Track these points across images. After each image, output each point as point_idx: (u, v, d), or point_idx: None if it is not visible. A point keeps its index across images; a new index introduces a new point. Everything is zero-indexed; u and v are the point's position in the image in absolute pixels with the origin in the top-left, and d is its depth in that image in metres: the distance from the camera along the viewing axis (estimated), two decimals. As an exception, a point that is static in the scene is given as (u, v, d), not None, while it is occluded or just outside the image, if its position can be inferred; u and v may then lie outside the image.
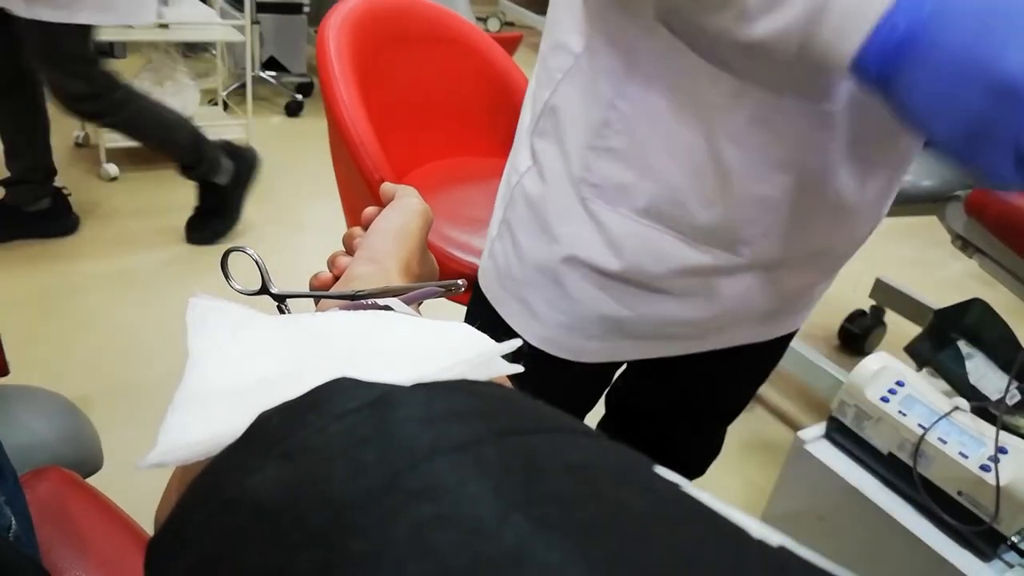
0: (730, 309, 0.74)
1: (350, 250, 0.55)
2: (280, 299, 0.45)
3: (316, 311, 0.39)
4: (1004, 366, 1.34)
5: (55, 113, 2.05)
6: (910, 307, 1.89)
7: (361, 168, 1.04)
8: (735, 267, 0.69)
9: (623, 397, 1.06)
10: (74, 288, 2.02)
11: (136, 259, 2.19)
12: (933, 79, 0.46)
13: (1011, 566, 1.17)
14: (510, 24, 5.30)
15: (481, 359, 0.23)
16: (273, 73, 3.54)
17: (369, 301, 0.37)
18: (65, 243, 2.21)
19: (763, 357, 0.92)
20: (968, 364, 1.32)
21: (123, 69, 2.36)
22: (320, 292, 0.43)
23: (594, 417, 1.06)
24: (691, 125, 0.62)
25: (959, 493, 1.18)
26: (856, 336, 1.99)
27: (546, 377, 0.78)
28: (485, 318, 0.80)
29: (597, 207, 0.68)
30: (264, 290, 0.45)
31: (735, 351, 0.82)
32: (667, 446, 1.03)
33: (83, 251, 2.19)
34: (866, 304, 2.04)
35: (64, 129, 2.78)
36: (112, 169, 2.57)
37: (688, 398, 0.98)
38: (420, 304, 0.51)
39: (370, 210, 0.60)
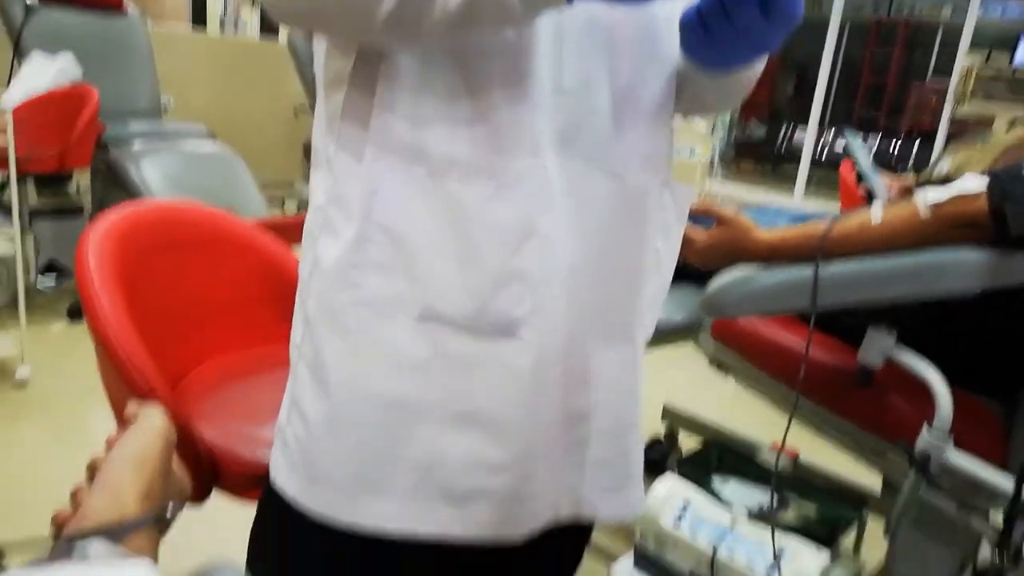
0: (535, 431, 0.72)
1: (93, 479, 0.55)
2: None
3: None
4: (759, 481, 1.50)
5: None
6: (697, 426, 2.06)
7: (128, 382, 1.02)
8: (523, 357, 0.69)
9: None
10: None
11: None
12: None
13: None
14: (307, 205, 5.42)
15: None
16: (52, 280, 3.36)
17: (64, 549, 0.38)
18: None
19: (569, 548, 0.94)
20: (725, 490, 1.45)
21: None
22: (31, 539, 0.43)
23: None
24: (441, 213, 0.66)
25: (756, 601, 1.26)
26: (657, 462, 2.12)
27: (367, 571, 0.74)
28: (279, 523, 0.76)
29: (373, 326, 0.68)
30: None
31: (545, 549, 0.80)
32: None
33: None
34: (660, 429, 2.19)
35: None
36: None
37: None
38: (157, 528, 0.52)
39: (113, 435, 0.60)
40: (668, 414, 2.14)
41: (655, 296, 0.82)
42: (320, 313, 0.72)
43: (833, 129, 8.19)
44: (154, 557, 0.46)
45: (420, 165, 0.67)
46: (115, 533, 0.41)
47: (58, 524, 0.50)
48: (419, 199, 0.67)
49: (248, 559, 0.82)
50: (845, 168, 2.81)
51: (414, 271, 0.67)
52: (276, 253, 1.44)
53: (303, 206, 5.33)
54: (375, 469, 0.70)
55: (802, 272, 1.14)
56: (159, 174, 2.94)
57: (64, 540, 0.42)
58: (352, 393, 0.70)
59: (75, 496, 0.53)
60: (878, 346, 1.20)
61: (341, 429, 0.70)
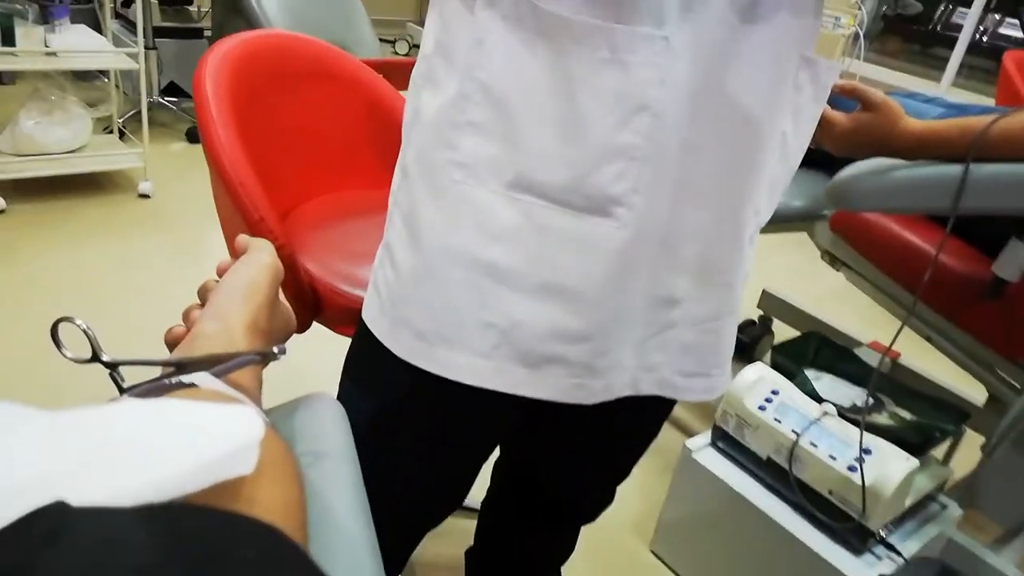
0: (618, 308, 0.70)
1: (204, 302, 0.57)
2: (112, 367, 0.46)
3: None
4: (854, 380, 1.45)
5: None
6: (794, 316, 2.00)
7: (240, 209, 1.05)
8: (615, 237, 0.66)
9: (516, 453, 1.05)
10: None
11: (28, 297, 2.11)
12: None
13: (880, 559, 1.26)
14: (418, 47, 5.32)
15: (213, 464, 0.25)
16: (173, 99, 3.47)
17: (174, 380, 0.39)
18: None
19: (648, 418, 0.93)
20: (817, 385, 1.41)
21: (10, 96, 2.26)
22: (145, 360, 0.45)
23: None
24: (547, 76, 0.62)
25: (830, 493, 1.26)
26: (746, 345, 2.09)
27: (445, 407, 0.78)
28: (370, 354, 0.78)
29: (466, 189, 0.66)
30: (95, 358, 0.46)
31: (625, 412, 0.80)
32: (561, 499, 1.04)
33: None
34: (755, 314, 2.14)
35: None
36: (-2, 203, 2.47)
37: (580, 460, 0.97)
38: (266, 362, 0.53)
39: (224, 262, 0.61)
40: (766, 300, 2.08)
41: (775, 182, 0.75)
42: (417, 167, 0.71)
43: (999, 13, 7.19)
44: (257, 389, 0.47)
45: (531, 20, 0.62)
46: (222, 369, 0.42)
47: (170, 341, 0.52)
48: (525, 58, 0.62)
49: (340, 388, 0.86)
50: (1010, 58, 2.50)
51: (511, 135, 0.64)
52: (386, 95, 1.41)
53: (413, 49, 5.25)
54: (455, 327, 0.70)
55: (948, 169, 1.03)
56: (277, 4, 2.92)
57: (174, 364, 0.43)
58: (440, 250, 0.69)
59: (187, 316, 0.55)
60: (1019, 259, 1.10)
61: (427, 283, 0.71)
